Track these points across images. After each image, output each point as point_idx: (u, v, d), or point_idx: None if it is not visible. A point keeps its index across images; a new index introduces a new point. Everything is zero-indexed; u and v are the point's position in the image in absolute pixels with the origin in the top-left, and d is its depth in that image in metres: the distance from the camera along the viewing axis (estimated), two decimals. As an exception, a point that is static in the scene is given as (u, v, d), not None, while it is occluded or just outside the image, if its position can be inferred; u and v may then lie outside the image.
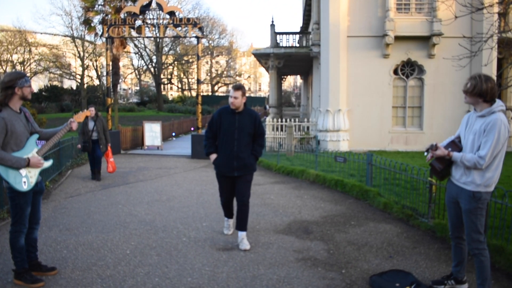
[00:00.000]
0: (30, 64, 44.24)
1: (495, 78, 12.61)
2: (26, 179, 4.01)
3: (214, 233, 5.81)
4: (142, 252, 5.12)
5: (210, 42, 54.89)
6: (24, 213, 4.07)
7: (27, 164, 3.99)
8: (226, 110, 5.35)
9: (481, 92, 3.57)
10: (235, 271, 4.55)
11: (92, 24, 19.38)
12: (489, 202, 5.05)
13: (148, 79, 63.93)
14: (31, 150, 4.10)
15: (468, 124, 3.81)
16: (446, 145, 3.89)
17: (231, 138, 5.24)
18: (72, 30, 42.13)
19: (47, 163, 4.25)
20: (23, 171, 4.00)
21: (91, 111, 9.67)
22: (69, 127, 4.24)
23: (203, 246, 5.33)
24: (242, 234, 5.30)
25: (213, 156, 5.40)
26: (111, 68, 16.41)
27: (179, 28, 14.53)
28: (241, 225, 5.32)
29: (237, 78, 63.98)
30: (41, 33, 47.99)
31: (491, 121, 3.53)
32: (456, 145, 3.83)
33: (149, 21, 14.68)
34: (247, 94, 5.50)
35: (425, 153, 3.90)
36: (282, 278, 4.37)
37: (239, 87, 5.29)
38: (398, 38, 15.25)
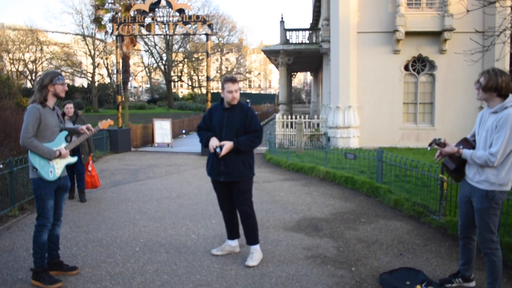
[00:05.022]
0: (42, 63, 44.64)
1: (508, 73, 12.42)
2: (52, 169, 4.17)
3: (223, 230, 5.77)
4: (151, 249, 5.13)
5: (220, 39, 54.89)
6: (46, 206, 4.14)
7: (57, 156, 4.17)
8: (216, 107, 4.76)
9: (497, 86, 3.46)
10: (244, 268, 4.54)
11: (102, 22, 19.46)
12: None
13: (158, 76, 64.19)
14: (60, 144, 4.28)
15: (481, 121, 3.70)
16: (458, 143, 3.80)
17: (218, 138, 4.58)
18: (83, 28, 42.39)
19: (73, 159, 4.45)
20: (51, 161, 4.16)
21: (68, 109, 7.68)
22: (91, 133, 4.55)
23: (212, 243, 5.32)
24: (251, 248, 4.75)
25: (214, 140, 4.55)
26: (121, 66, 16.48)
27: (189, 26, 14.56)
28: (248, 238, 4.77)
29: (247, 75, 63.95)
30: (53, 32, 48.48)
31: (503, 117, 3.42)
32: (468, 142, 3.73)
33: (158, 19, 14.70)
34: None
35: (428, 148, 3.78)
36: (291, 276, 4.35)
37: (236, 79, 4.66)
38: (408, 34, 15.09)
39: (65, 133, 4.35)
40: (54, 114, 4.25)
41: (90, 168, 7.94)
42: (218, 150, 4.47)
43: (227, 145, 4.49)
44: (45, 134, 4.13)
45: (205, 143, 4.67)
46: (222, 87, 4.62)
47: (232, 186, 4.70)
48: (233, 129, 4.57)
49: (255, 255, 4.69)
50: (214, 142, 4.53)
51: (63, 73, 48.48)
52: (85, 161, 7.79)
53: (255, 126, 4.63)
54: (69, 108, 7.69)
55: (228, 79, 4.59)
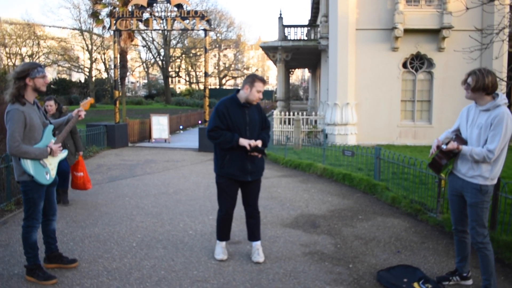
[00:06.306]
0: (39, 57, 44.39)
1: (506, 71, 12.44)
2: (48, 171, 4.00)
3: (220, 226, 5.78)
4: (148, 244, 5.11)
5: (218, 35, 54.85)
6: (38, 208, 4.00)
7: (49, 153, 3.96)
8: (232, 102, 4.46)
9: (484, 86, 3.57)
10: (241, 264, 4.53)
11: (100, 17, 19.37)
12: (499, 197, 5.02)
13: (156, 72, 64.07)
14: (49, 141, 4.05)
15: (469, 118, 3.81)
16: (454, 139, 3.86)
17: (242, 136, 4.38)
18: (80, 23, 42.25)
19: (63, 154, 4.26)
20: (45, 164, 3.98)
21: (49, 107, 6.88)
22: (76, 118, 4.29)
23: (209, 239, 5.31)
24: (257, 244, 4.69)
25: (245, 139, 4.36)
26: (118, 61, 16.39)
27: (187, 21, 14.48)
28: (256, 234, 4.71)
29: (245, 71, 63.85)
30: (50, 26, 48.36)
31: (498, 115, 3.54)
32: (461, 139, 3.81)
33: (156, 14, 14.62)
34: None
35: (443, 147, 3.78)
36: (289, 272, 4.34)
37: (265, 80, 4.61)
38: (407, 31, 15.08)
39: (51, 127, 4.10)
40: (35, 108, 3.97)
41: (81, 173, 7.15)
42: (262, 148, 4.39)
43: (260, 143, 4.43)
44: (32, 135, 3.88)
45: (234, 144, 4.33)
46: (251, 85, 4.41)
47: (250, 185, 4.59)
48: (256, 127, 4.51)
49: (261, 250, 4.69)
50: (247, 141, 4.34)
51: (60, 68, 48.34)
52: (71, 162, 7.04)
53: (268, 123, 4.71)
54: (50, 106, 6.89)
55: (260, 78, 4.48)
